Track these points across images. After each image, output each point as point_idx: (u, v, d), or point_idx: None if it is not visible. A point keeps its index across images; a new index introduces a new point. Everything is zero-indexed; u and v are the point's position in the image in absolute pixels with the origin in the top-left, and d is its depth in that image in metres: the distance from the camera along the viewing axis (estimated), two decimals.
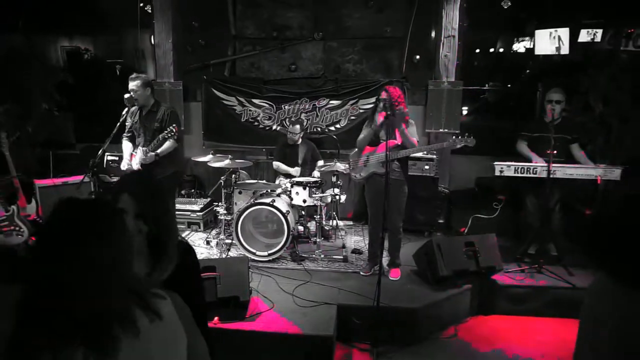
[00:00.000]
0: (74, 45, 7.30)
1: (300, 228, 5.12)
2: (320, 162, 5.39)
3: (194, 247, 1.89)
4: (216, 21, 6.20)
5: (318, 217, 4.77)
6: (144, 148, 4.23)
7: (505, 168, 4.41)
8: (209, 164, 5.01)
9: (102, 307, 1.06)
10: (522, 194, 4.70)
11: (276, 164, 5.46)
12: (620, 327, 1.48)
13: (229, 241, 4.81)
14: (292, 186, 4.84)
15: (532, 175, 4.36)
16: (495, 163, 4.45)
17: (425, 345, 3.66)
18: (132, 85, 4.22)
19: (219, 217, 5.16)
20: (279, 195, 4.81)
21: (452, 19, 5.61)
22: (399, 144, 3.96)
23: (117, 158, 5.33)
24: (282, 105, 6.15)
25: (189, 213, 5.56)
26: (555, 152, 4.24)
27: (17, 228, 4.31)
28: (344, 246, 4.94)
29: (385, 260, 4.22)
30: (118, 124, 4.24)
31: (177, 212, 5.46)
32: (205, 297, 3.25)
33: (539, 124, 4.59)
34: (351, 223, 6.03)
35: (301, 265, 4.51)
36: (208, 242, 5.07)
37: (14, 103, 5.94)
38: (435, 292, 3.95)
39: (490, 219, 5.22)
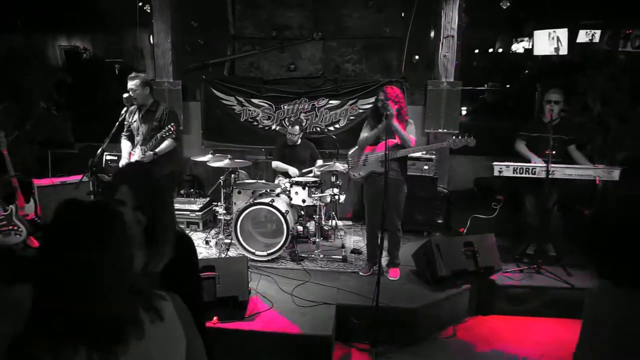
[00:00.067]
0: (72, 45, 7.30)
1: (300, 228, 5.12)
2: (320, 162, 5.39)
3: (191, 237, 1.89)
4: (215, 21, 6.20)
5: (317, 217, 4.77)
6: (143, 147, 4.23)
7: (504, 168, 4.41)
8: (208, 163, 5.01)
9: (108, 309, 1.06)
10: (521, 194, 4.70)
11: (275, 163, 5.46)
12: (620, 327, 1.48)
13: (228, 241, 4.80)
14: (291, 186, 4.85)
15: (530, 176, 4.37)
16: (494, 163, 4.45)
17: (424, 345, 3.67)
18: (131, 84, 4.22)
19: (218, 217, 5.16)
20: (278, 195, 4.81)
21: (451, 19, 5.61)
22: (399, 143, 3.96)
23: (116, 157, 5.33)
24: (282, 105, 6.15)
25: (188, 213, 5.56)
26: (554, 152, 4.25)
27: (16, 227, 4.31)
28: (343, 246, 4.94)
29: (384, 260, 4.22)
30: (117, 123, 4.24)
31: (176, 212, 5.45)
32: (204, 291, 3.26)
33: (538, 124, 4.59)
34: (350, 223, 6.03)
35: (300, 265, 4.51)
36: (207, 242, 5.07)
37: (13, 102, 5.94)
38: (434, 292, 3.95)
39: (489, 219, 5.23)
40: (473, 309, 4.15)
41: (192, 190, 6.10)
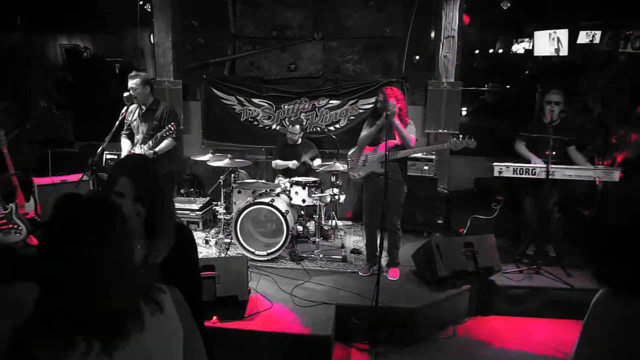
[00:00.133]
0: (73, 44, 7.30)
1: (300, 228, 5.12)
2: (318, 161, 5.38)
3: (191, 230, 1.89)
4: (216, 20, 6.20)
5: (317, 217, 4.76)
6: (143, 146, 4.23)
7: (504, 169, 4.41)
8: (208, 163, 5.01)
9: (108, 302, 1.07)
10: (521, 195, 4.70)
11: (275, 162, 5.46)
12: (620, 327, 1.48)
13: (228, 240, 4.80)
14: (291, 186, 4.84)
15: (530, 176, 4.37)
16: (494, 164, 4.44)
17: (424, 346, 3.67)
18: (131, 83, 4.22)
19: (218, 217, 5.15)
20: (278, 194, 4.81)
21: (451, 19, 5.62)
22: (399, 144, 3.96)
23: (116, 157, 5.33)
24: (282, 105, 6.15)
25: (188, 212, 5.56)
26: (554, 153, 4.25)
27: (16, 226, 4.31)
28: (343, 246, 4.94)
29: (384, 260, 4.22)
30: (117, 122, 4.24)
31: (176, 211, 5.45)
32: (204, 290, 3.26)
33: (538, 124, 4.59)
34: (350, 223, 6.03)
35: (300, 265, 4.51)
36: (207, 242, 5.07)
37: (13, 101, 5.93)
38: (434, 293, 3.95)
39: (489, 219, 5.23)
40: (473, 310, 4.15)
41: (192, 189, 6.10)
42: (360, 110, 6.01)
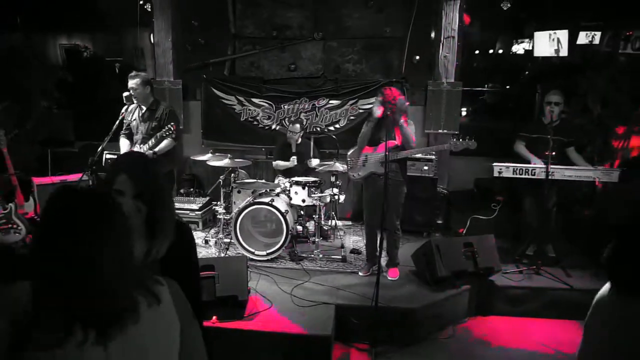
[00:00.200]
0: (73, 44, 7.29)
1: (299, 228, 5.12)
2: (317, 161, 5.38)
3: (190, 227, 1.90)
4: (216, 20, 6.20)
5: (317, 216, 4.76)
6: (142, 146, 4.23)
7: (504, 169, 4.41)
8: (208, 162, 5.01)
9: (106, 293, 1.07)
10: (521, 195, 4.71)
11: (275, 163, 5.46)
12: (620, 327, 1.48)
13: (228, 240, 4.80)
14: (291, 186, 4.84)
15: (530, 177, 4.37)
16: (494, 164, 4.45)
17: (423, 346, 3.67)
18: (131, 83, 4.22)
19: (217, 216, 5.15)
20: (278, 194, 4.81)
21: (451, 19, 5.62)
22: (399, 145, 3.96)
23: (115, 156, 5.33)
24: (282, 105, 6.15)
25: (188, 212, 5.56)
26: (554, 153, 4.25)
27: (15, 226, 4.31)
28: (342, 246, 4.94)
29: (383, 260, 4.22)
30: (117, 122, 4.24)
31: (176, 211, 5.45)
32: (203, 290, 3.26)
33: (538, 125, 4.60)
34: (350, 223, 6.03)
35: (300, 265, 4.50)
36: (207, 242, 5.06)
37: (13, 101, 5.93)
38: (434, 293, 3.95)
39: (488, 219, 5.23)
40: (472, 310, 4.15)
41: (191, 189, 6.10)
42: (360, 110, 6.01)
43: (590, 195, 5.09)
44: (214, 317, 3.30)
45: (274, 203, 4.47)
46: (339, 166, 4.91)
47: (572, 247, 4.85)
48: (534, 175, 4.35)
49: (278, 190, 4.88)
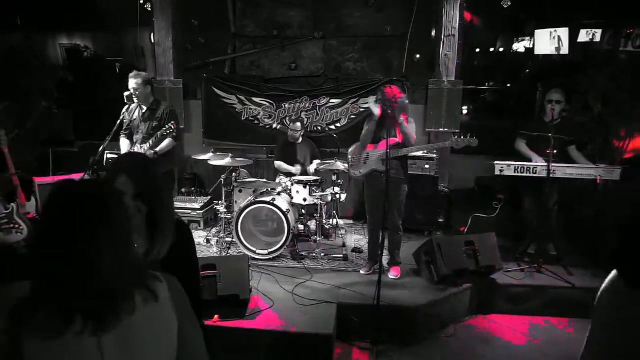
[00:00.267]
0: (73, 43, 7.29)
1: (301, 227, 5.12)
2: (317, 161, 5.38)
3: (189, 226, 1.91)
4: (216, 19, 6.19)
5: (318, 215, 4.77)
6: (142, 145, 4.23)
7: (505, 168, 4.42)
8: (209, 162, 5.01)
9: (105, 290, 1.08)
10: (522, 194, 4.71)
11: (278, 164, 5.46)
12: (618, 328, 1.48)
13: (229, 239, 4.81)
14: (292, 185, 4.84)
15: (532, 175, 4.37)
16: (495, 162, 4.45)
17: (425, 344, 3.67)
18: (132, 83, 4.22)
19: (219, 216, 5.16)
20: (279, 193, 4.81)
21: (452, 18, 5.61)
22: (400, 142, 3.96)
23: (116, 156, 5.33)
24: (283, 104, 6.15)
25: (190, 211, 5.56)
26: (555, 151, 4.25)
27: (17, 226, 4.31)
28: (344, 245, 4.94)
29: (385, 259, 4.22)
30: (118, 122, 4.24)
31: (177, 210, 5.46)
32: (205, 289, 3.27)
33: (539, 123, 4.60)
34: (351, 222, 6.04)
35: (301, 264, 4.51)
36: (208, 241, 5.07)
37: (14, 101, 5.93)
38: (435, 291, 3.95)
39: (490, 218, 5.23)
40: (474, 308, 4.16)
41: (193, 188, 6.11)
42: (361, 109, 6.00)
43: (592, 194, 5.08)
44: (216, 316, 3.31)
45: (275, 202, 4.48)
46: (340, 165, 4.91)
47: (573, 246, 4.85)
48: (536, 173, 4.35)
49: (279, 189, 4.88)
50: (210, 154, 5.07)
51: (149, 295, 1.16)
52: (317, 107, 6.11)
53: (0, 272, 3.53)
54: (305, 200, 4.75)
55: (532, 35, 5.95)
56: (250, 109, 6.21)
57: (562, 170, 4.30)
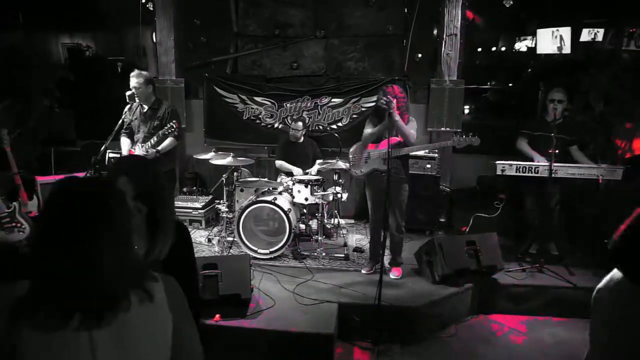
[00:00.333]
0: (75, 42, 7.29)
1: (302, 226, 5.13)
2: (319, 161, 5.38)
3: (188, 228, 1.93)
4: (218, 19, 6.20)
5: (319, 215, 4.77)
6: (144, 145, 4.23)
7: (507, 167, 4.41)
8: (210, 161, 5.02)
9: (103, 289, 1.09)
10: (524, 193, 4.70)
11: (279, 163, 5.46)
12: (620, 327, 1.48)
13: (231, 239, 4.81)
14: (293, 184, 4.85)
15: (533, 175, 4.36)
16: (497, 162, 4.45)
17: (425, 344, 3.67)
18: (133, 82, 4.22)
19: (220, 215, 5.17)
20: (280, 193, 4.81)
21: (454, 17, 5.60)
22: (401, 141, 3.96)
23: (118, 155, 5.34)
24: (284, 103, 6.15)
25: (191, 210, 5.57)
26: (557, 151, 4.24)
27: (19, 225, 4.31)
28: (345, 244, 4.94)
29: (386, 258, 4.22)
30: (120, 121, 4.24)
31: (178, 210, 5.47)
32: (206, 288, 3.28)
33: (541, 122, 4.59)
34: (353, 221, 6.04)
35: (302, 264, 4.51)
36: (210, 240, 5.07)
37: (15, 100, 5.94)
38: (436, 291, 3.95)
39: (491, 218, 5.23)
40: (475, 308, 4.15)
41: (194, 188, 6.11)
42: (363, 109, 6.00)
43: (593, 193, 5.07)
44: (217, 316, 3.31)
45: (276, 201, 4.48)
46: (342, 164, 4.91)
47: (574, 246, 4.84)
48: (537, 173, 4.34)
49: (281, 188, 4.88)
50: (212, 154, 5.08)
51: (144, 295, 1.16)
52: (319, 107, 6.11)
53: (2, 270, 3.54)
54: (306, 199, 4.75)
55: (534, 35, 5.94)
56: (251, 108, 6.21)
57: (564, 170, 4.29)
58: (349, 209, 6.10)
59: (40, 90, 6.36)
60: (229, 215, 4.98)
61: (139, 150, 4.25)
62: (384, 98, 3.77)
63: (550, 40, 5.46)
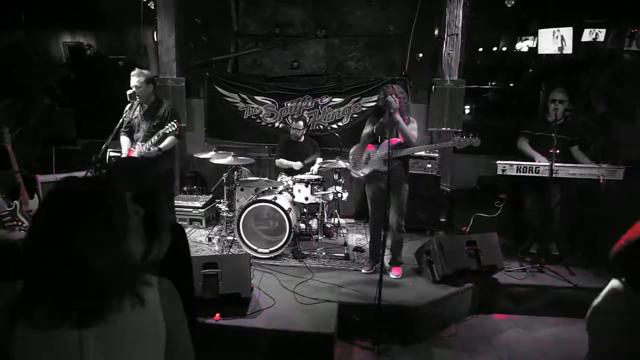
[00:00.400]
0: (76, 41, 7.30)
1: (302, 225, 5.13)
2: (320, 160, 5.38)
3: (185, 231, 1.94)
4: (219, 18, 6.21)
5: (320, 214, 4.77)
6: (144, 143, 4.23)
7: (508, 167, 4.41)
8: (211, 160, 5.02)
9: (100, 283, 1.09)
10: (524, 193, 4.69)
11: (279, 161, 5.46)
12: (625, 333, 1.48)
13: (231, 238, 4.81)
14: (294, 184, 4.85)
15: (534, 175, 4.36)
16: (498, 162, 4.44)
17: (426, 344, 3.66)
18: (134, 81, 4.23)
19: (220, 214, 5.17)
20: (280, 192, 4.81)
21: (455, 17, 5.60)
22: (402, 142, 3.96)
23: (119, 154, 5.34)
24: (285, 103, 6.15)
25: (191, 210, 5.57)
26: (558, 151, 4.23)
27: (20, 223, 4.32)
28: (345, 244, 4.94)
29: (386, 258, 4.21)
30: (121, 120, 4.24)
31: (179, 209, 5.47)
32: (206, 288, 3.28)
33: (542, 123, 4.59)
34: (353, 221, 6.04)
35: (303, 263, 4.51)
36: (210, 239, 5.07)
37: (16, 99, 5.94)
38: (437, 291, 3.94)
39: (492, 218, 5.22)
40: (475, 308, 4.15)
41: (194, 187, 6.11)
42: (363, 108, 6.00)
43: (594, 194, 5.06)
44: (217, 315, 3.32)
45: (276, 201, 4.48)
46: (342, 164, 4.91)
47: (575, 246, 4.84)
48: (538, 173, 4.34)
49: (281, 188, 4.89)
50: (212, 153, 5.08)
51: (137, 298, 1.15)
52: (319, 106, 6.11)
53: (2, 269, 3.54)
54: (306, 199, 4.75)
55: (535, 35, 5.93)
56: (252, 107, 6.21)
57: (564, 170, 4.29)
58: (349, 209, 6.09)
59: (41, 89, 6.36)
60: (229, 215, 4.99)
61: (138, 149, 4.25)
62: (386, 98, 3.77)
63: (551, 41, 5.45)
